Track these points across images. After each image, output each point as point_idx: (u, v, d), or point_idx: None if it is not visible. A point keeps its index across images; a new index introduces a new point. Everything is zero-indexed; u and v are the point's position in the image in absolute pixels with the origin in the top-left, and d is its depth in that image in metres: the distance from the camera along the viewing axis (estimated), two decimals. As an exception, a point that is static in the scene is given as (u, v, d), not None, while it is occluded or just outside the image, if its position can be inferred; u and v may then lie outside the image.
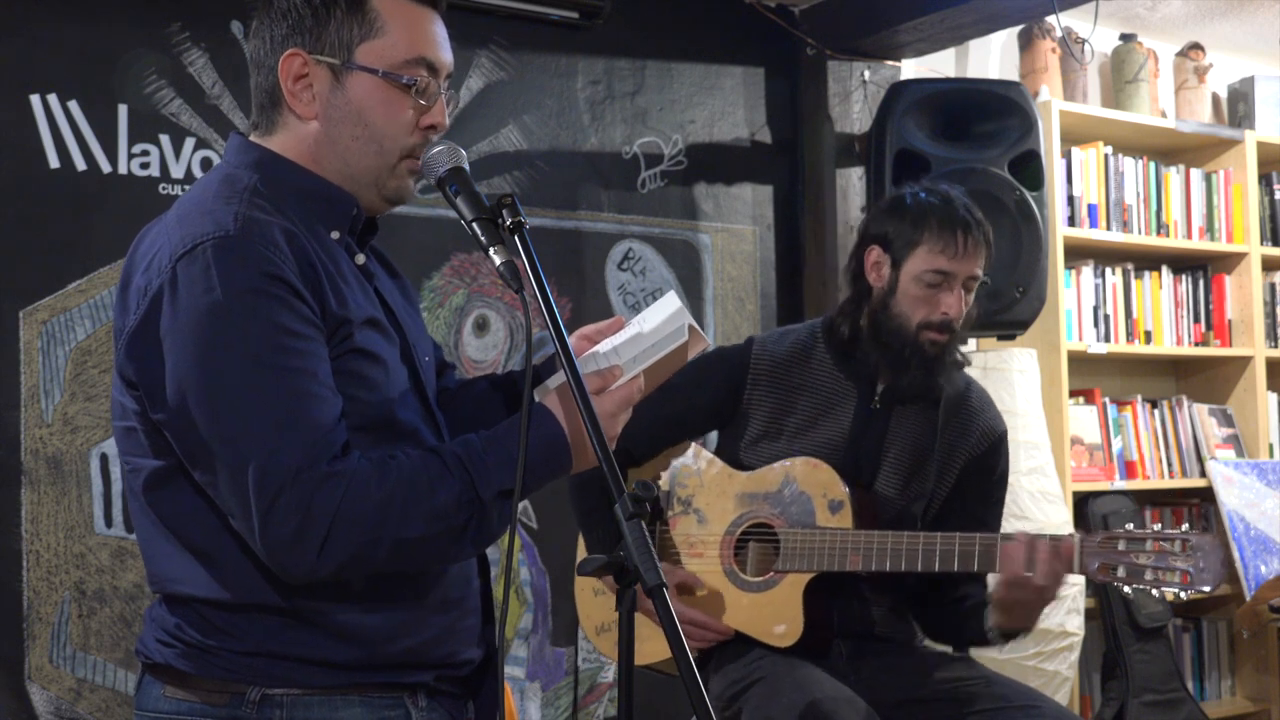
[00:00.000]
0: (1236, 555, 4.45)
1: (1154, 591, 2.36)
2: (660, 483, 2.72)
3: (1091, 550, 2.38)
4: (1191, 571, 2.31)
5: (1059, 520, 3.89)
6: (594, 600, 2.76)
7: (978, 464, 2.70)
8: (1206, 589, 2.32)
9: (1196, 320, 4.74)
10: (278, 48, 1.71)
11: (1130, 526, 2.42)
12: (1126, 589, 2.43)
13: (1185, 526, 2.45)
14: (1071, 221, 4.39)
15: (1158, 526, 4.13)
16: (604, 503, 2.65)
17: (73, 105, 3.23)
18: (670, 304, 1.75)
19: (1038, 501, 3.89)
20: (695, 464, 2.72)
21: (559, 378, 1.71)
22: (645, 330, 1.73)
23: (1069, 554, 2.38)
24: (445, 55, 1.75)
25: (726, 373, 2.70)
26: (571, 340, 1.77)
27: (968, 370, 2.77)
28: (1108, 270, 4.53)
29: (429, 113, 1.73)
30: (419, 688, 1.72)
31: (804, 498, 2.58)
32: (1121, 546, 2.37)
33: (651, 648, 2.61)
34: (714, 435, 2.88)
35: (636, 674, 1.69)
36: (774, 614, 2.56)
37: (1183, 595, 2.34)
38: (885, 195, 3.71)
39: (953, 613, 2.63)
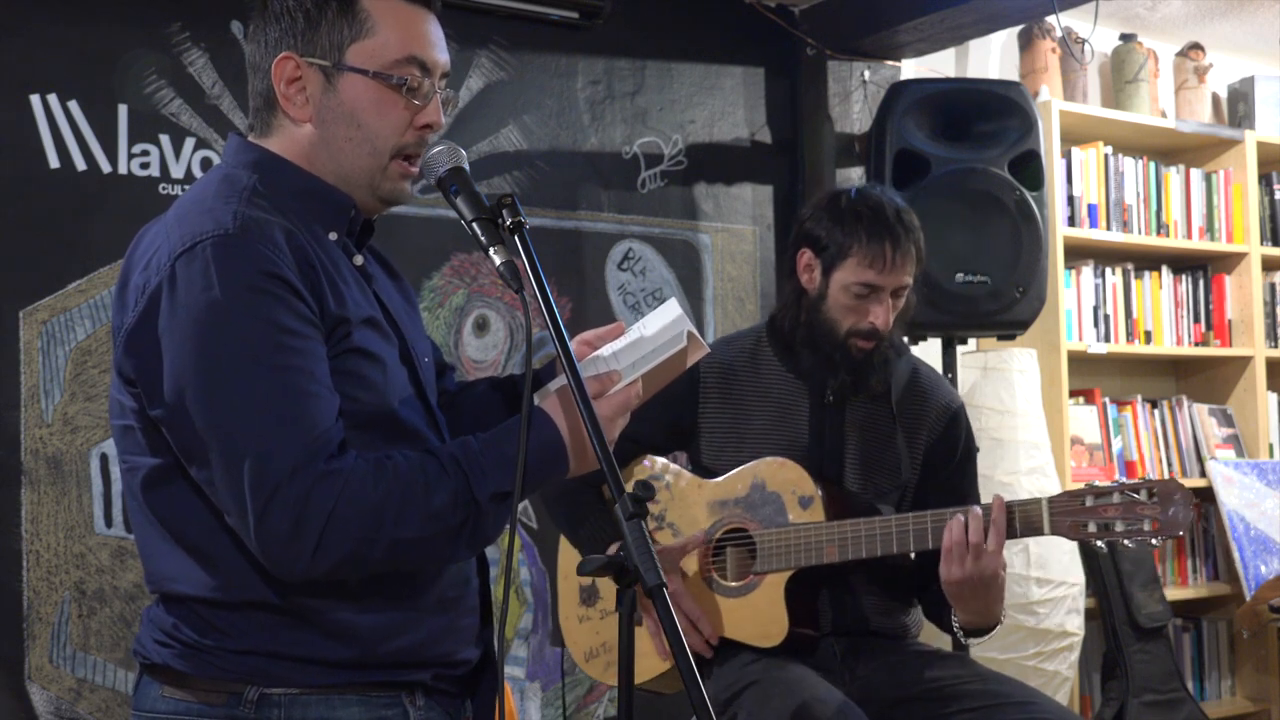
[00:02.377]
0: (1236, 555, 4.45)
1: (1127, 543, 2.36)
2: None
3: (1060, 509, 2.37)
4: (1161, 519, 2.30)
5: (1059, 520, 3.89)
6: (579, 627, 2.74)
7: (940, 444, 2.71)
8: (1180, 534, 2.32)
9: (1196, 320, 4.74)
10: (271, 51, 1.72)
11: (1096, 483, 2.42)
12: (1101, 544, 2.42)
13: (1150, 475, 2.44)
14: (1071, 221, 4.39)
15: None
16: (584, 498, 2.66)
17: (73, 105, 3.23)
18: (671, 310, 1.76)
19: (1038, 501, 3.89)
20: (664, 478, 2.71)
21: (559, 381, 1.72)
22: (645, 336, 1.73)
23: (1037, 519, 2.37)
24: (439, 55, 1.75)
25: (676, 389, 2.67)
26: (572, 345, 1.77)
27: (918, 354, 2.79)
28: (1108, 270, 4.53)
29: (423, 112, 1.73)
30: (416, 686, 1.72)
31: (774, 497, 2.58)
32: (1089, 502, 2.36)
33: (640, 665, 2.60)
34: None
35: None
36: (757, 616, 2.56)
37: (1154, 543, 2.34)
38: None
39: (937, 598, 2.60)
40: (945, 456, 2.72)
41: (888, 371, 2.67)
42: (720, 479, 2.66)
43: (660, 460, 2.74)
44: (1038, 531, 2.40)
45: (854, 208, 2.61)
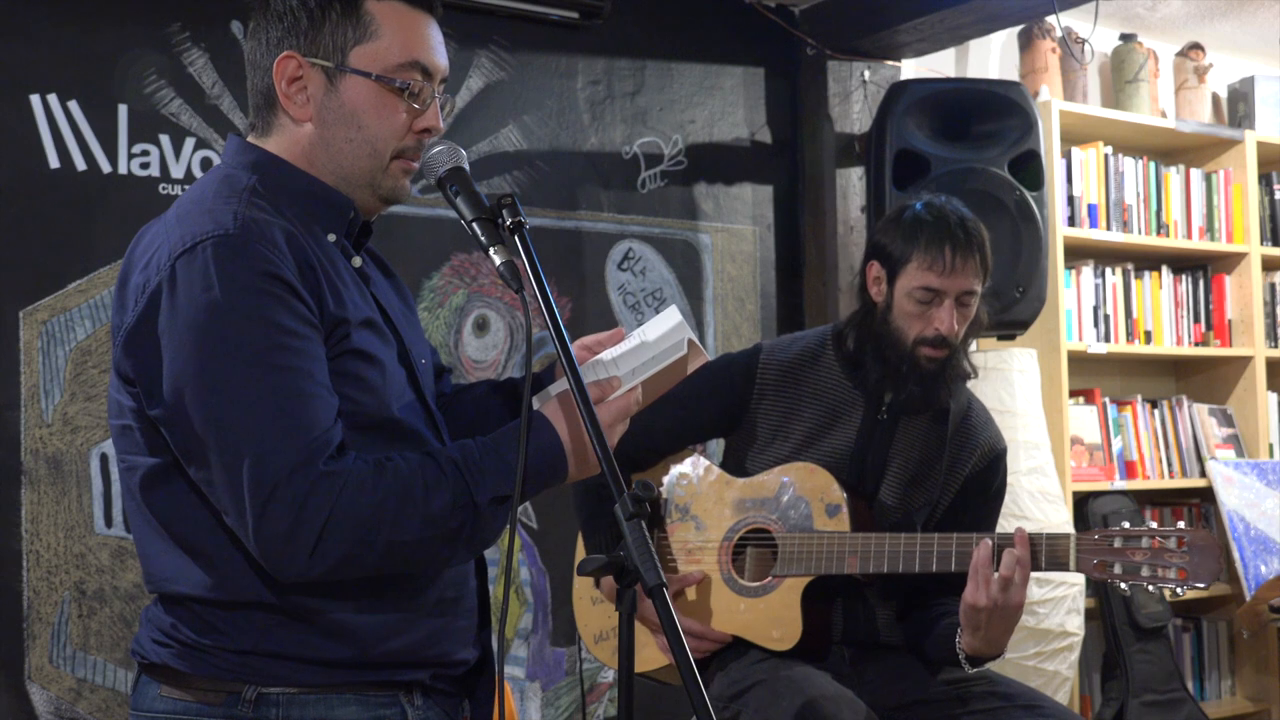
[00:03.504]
0: (1236, 555, 4.45)
1: (1150, 588, 2.33)
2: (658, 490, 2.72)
3: (1088, 548, 2.36)
4: (1188, 568, 2.28)
5: (1059, 520, 3.89)
6: (591, 609, 2.75)
7: (977, 479, 2.71)
8: (1203, 585, 2.30)
9: (1196, 320, 4.74)
10: (273, 50, 1.72)
11: (1126, 524, 2.40)
12: (1124, 586, 2.39)
13: (1182, 524, 2.40)
14: (1071, 221, 4.39)
15: (1154, 524, 4.13)
16: (606, 507, 2.66)
17: (73, 105, 3.23)
18: (671, 317, 1.76)
19: (1038, 501, 3.89)
20: (693, 471, 2.72)
21: (560, 385, 1.72)
22: (645, 342, 1.74)
23: (1063, 555, 2.36)
24: (440, 59, 1.76)
25: (732, 381, 2.70)
26: (572, 350, 1.78)
27: (968, 385, 2.77)
28: (1108, 270, 4.53)
29: (422, 116, 1.73)
30: (414, 686, 1.73)
31: (801, 502, 2.57)
32: (1117, 544, 2.34)
33: (647, 655, 2.61)
34: (714, 443, 2.87)
35: (635, 677, 1.69)
36: (772, 618, 2.56)
37: (1179, 591, 2.32)
38: (886, 196, 3.72)
39: (928, 627, 2.59)
40: (979, 491, 2.72)
41: (956, 391, 2.66)
42: (749, 479, 2.66)
43: (691, 455, 2.75)
44: (1063, 567, 2.38)
45: (917, 217, 2.63)
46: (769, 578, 2.59)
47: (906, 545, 2.47)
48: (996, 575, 2.34)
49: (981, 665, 2.49)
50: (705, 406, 2.69)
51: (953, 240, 2.58)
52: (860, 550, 2.50)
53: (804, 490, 2.58)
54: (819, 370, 2.70)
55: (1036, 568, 2.39)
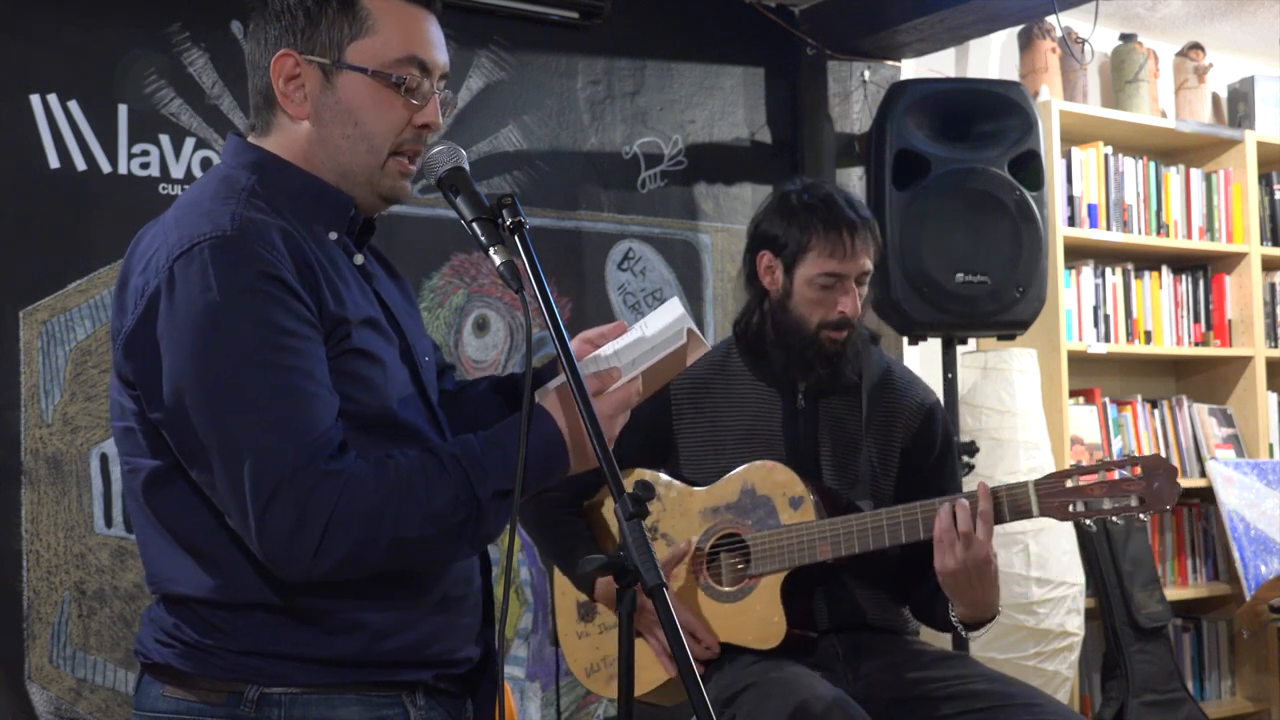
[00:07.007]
0: (1236, 555, 4.45)
1: (1115, 519, 2.36)
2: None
3: (1047, 491, 2.38)
4: (1147, 494, 2.32)
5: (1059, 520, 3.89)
6: (579, 643, 2.75)
7: (916, 440, 2.72)
8: (1167, 507, 2.33)
9: (1196, 320, 4.74)
10: (270, 48, 1.72)
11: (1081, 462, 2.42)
12: (1088, 522, 2.41)
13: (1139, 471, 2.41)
14: (1071, 221, 4.39)
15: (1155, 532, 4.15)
16: (570, 538, 2.66)
17: (73, 105, 3.23)
18: (672, 309, 1.76)
19: (1038, 501, 3.88)
20: (655, 488, 2.71)
21: (559, 379, 1.72)
22: (645, 335, 1.74)
23: (1024, 502, 2.38)
24: (439, 55, 1.75)
25: (648, 406, 2.69)
26: (573, 344, 1.78)
27: (898, 358, 2.81)
28: (1108, 270, 4.53)
29: (421, 112, 1.73)
30: (417, 686, 1.72)
31: (765, 500, 2.59)
32: (1071, 484, 2.37)
33: (644, 676, 2.59)
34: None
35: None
36: (755, 618, 2.56)
37: (1142, 517, 2.35)
38: (886, 196, 3.72)
39: (929, 593, 2.60)
40: (923, 452, 2.73)
41: (859, 362, 2.69)
42: (710, 486, 2.66)
43: (650, 471, 2.75)
44: (1027, 514, 2.41)
45: (805, 203, 2.64)
46: (745, 580, 2.59)
47: (874, 522, 2.49)
48: (959, 533, 2.36)
49: (980, 629, 2.52)
50: (629, 438, 2.66)
51: (849, 223, 2.60)
52: (830, 536, 2.51)
53: (765, 488, 2.60)
54: (729, 377, 2.72)
55: (1001, 520, 2.41)
